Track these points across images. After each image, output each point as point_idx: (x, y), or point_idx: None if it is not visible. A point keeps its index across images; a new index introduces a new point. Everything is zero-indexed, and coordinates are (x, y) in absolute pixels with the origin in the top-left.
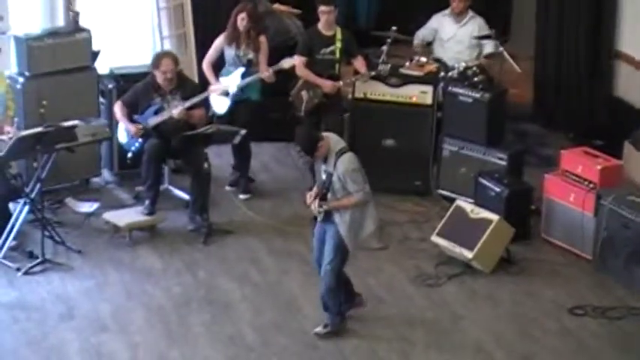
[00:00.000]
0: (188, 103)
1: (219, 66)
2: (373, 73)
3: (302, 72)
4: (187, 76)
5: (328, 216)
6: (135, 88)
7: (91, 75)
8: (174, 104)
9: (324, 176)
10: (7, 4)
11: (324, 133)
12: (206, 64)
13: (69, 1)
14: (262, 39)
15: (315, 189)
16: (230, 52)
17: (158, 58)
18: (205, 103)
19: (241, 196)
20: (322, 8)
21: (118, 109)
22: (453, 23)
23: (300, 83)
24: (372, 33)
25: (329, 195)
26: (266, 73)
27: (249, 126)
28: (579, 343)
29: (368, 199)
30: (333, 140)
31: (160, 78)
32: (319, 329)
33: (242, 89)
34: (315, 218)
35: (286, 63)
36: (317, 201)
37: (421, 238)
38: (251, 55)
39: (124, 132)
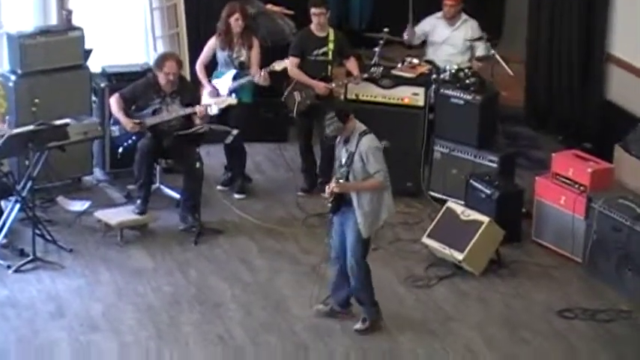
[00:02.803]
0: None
1: (211, 66)
2: (365, 76)
3: (294, 73)
4: (188, 80)
5: (348, 203)
6: (135, 85)
7: (84, 73)
8: (173, 107)
9: (344, 158)
10: None
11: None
12: (199, 66)
13: None
14: (255, 39)
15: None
16: (223, 54)
17: (162, 60)
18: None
19: (236, 196)
20: (313, 10)
21: (115, 102)
22: (446, 26)
23: (293, 84)
24: (365, 34)
25: (350, 177)
26: (259, 75)
27: (242, 127)
28: (569, 346)
29: (387, 182)
30: (357, 122)
31: (162, 79)
32: (359, 325)
33: (234, 91)
34: (333, 211)
35: (278, 65)
36: (333, 182)
37: (412, 240)
38: (243, 57)
39: (117, 127)
